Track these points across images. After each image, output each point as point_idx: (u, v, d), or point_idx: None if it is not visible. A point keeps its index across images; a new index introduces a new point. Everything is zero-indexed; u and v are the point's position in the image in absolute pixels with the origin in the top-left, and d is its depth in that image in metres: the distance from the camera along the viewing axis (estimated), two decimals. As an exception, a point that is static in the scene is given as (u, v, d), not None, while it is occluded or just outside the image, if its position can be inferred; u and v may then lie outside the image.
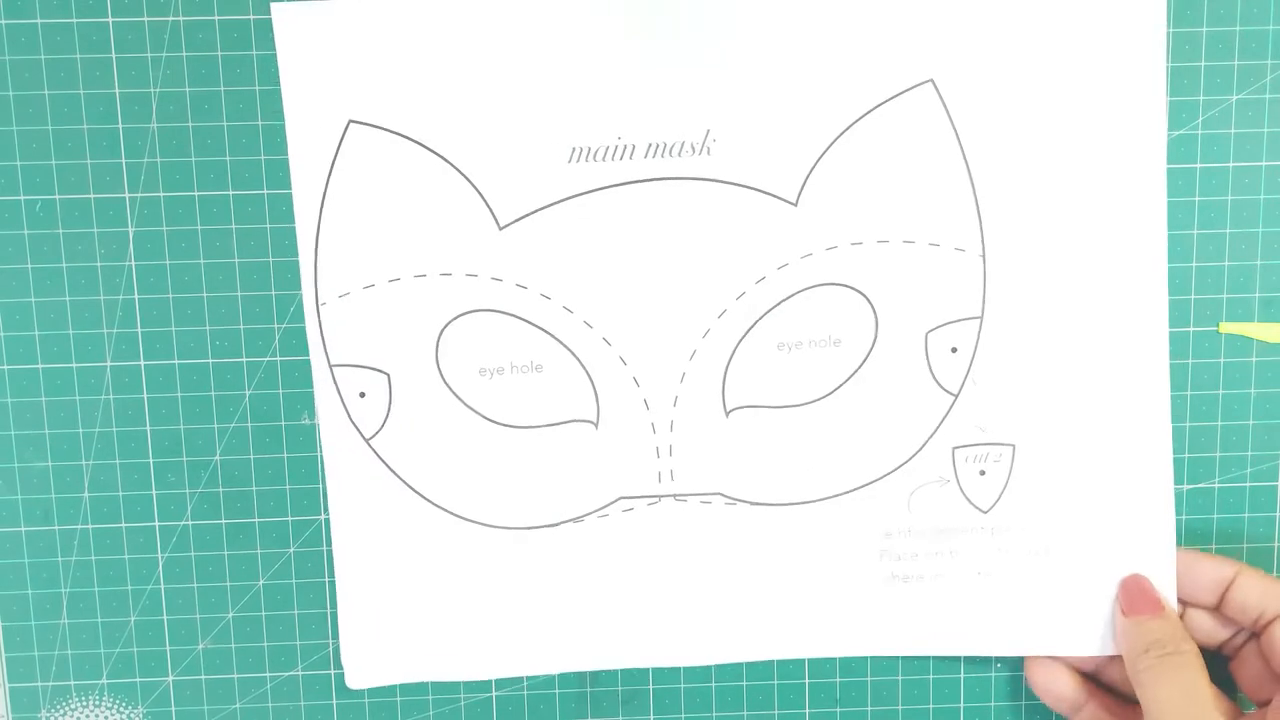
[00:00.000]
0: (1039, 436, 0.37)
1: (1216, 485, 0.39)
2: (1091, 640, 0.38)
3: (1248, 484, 0.39)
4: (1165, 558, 0.37)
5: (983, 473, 0.38)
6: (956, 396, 0.37)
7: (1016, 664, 0.39)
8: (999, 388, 0.37)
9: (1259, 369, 0.38)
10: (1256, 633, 0.36)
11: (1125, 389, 0.37)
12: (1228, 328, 0.38)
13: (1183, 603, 0.37)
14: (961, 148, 0.36)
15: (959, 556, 0.38)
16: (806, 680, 0.39)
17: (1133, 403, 0.37)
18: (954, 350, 0.37)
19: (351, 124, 0.36)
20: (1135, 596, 0.37)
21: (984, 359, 0.37)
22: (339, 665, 0.39)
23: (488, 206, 0.36)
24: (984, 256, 0.37)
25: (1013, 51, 0.36)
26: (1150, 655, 0.35)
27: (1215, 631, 0.37)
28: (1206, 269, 0.38)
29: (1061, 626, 0.38)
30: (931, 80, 0.36)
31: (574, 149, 0.36)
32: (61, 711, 0.39)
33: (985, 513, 0.38)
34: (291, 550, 0.38)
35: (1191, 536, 0.39)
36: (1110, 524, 0.37)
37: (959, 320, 0.37)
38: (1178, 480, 0.39)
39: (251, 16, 0.36)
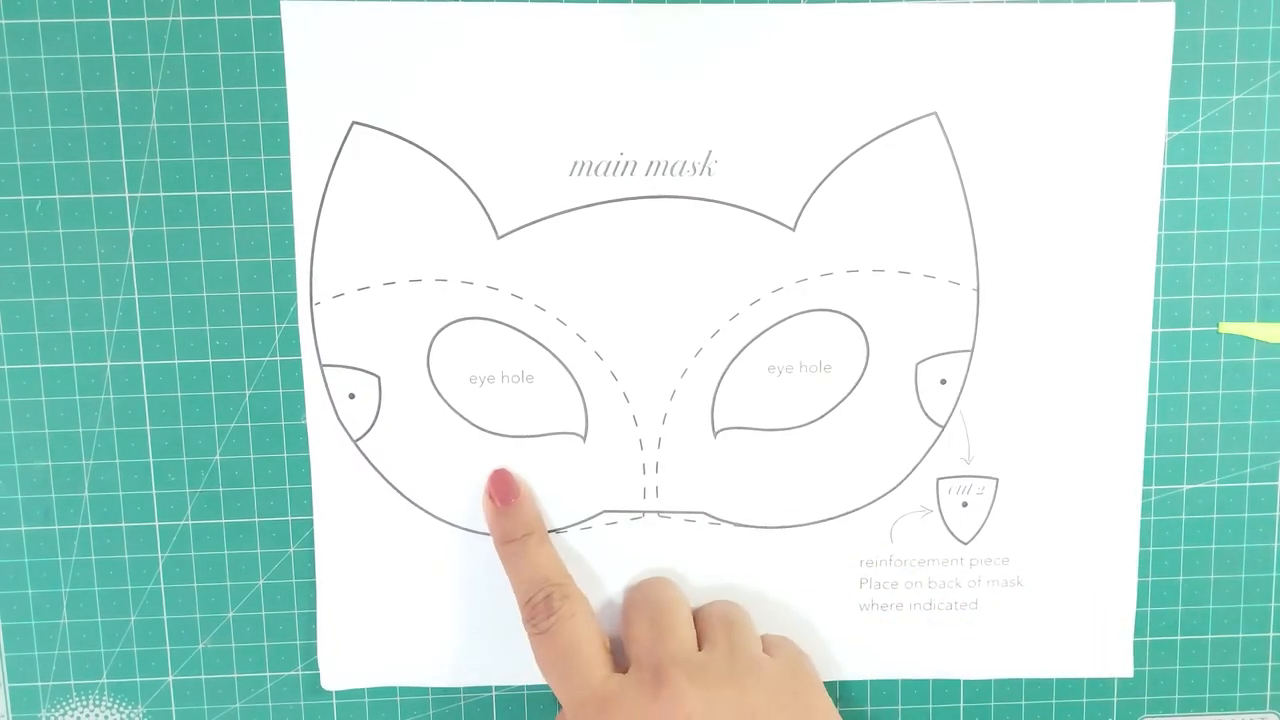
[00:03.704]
0: (1023, 471, 0.38)
1: (1216, 485, 0.39)
2: (1059, 664, 0.39)
3: (1248, 484, 0.39)
4: (1127, 587, 0.39)
5: (965, 505, 0.38)
6: (943, 428, 0.38)
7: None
8: (986, 421, 0.38)
9: (1259, 369, 0.38)
10: None
11: (1105, 429, 0.38)
12: (1228, 328, 0.38)
13: None
14: (961, 182, 0.36)
15: (936, 586, 0.39)
16: (806, 680, 0.40)
17: (1110, 442, 0.38)
18: (943, 382, 0.37)
19: (355, 125, 0.36)
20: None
21: (972, 392, 0.37)
22: (339, 665, 0.39)
23: (487, 215, 0.36)
24: (978, 290, 0.37)
25: (1017, 90, 0.36)
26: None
27: None
28: (1206, 269, 0.38)
29: (1029, 653, 0.39)
30: (935, 113, 0.36)
31: (576, 162, 0.36)
32: (61, 711, 0.39)
33: (965, 544, 0.38)
34: (291, 550, 0.38)
35: (1192, 536, 0.39)
36: (1080, 556, 0.38)
37: (950, 353, 0.37)
38: (1177, 480, 0.39)
39: (251, 16, 0.36)
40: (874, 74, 0.36)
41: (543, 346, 0.37)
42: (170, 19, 0.35)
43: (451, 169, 0.36)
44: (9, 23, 0.35)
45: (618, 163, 0.36)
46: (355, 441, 0.37)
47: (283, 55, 0.36)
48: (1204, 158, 0.37)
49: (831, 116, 0.36)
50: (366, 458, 0.37)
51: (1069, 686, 0.40)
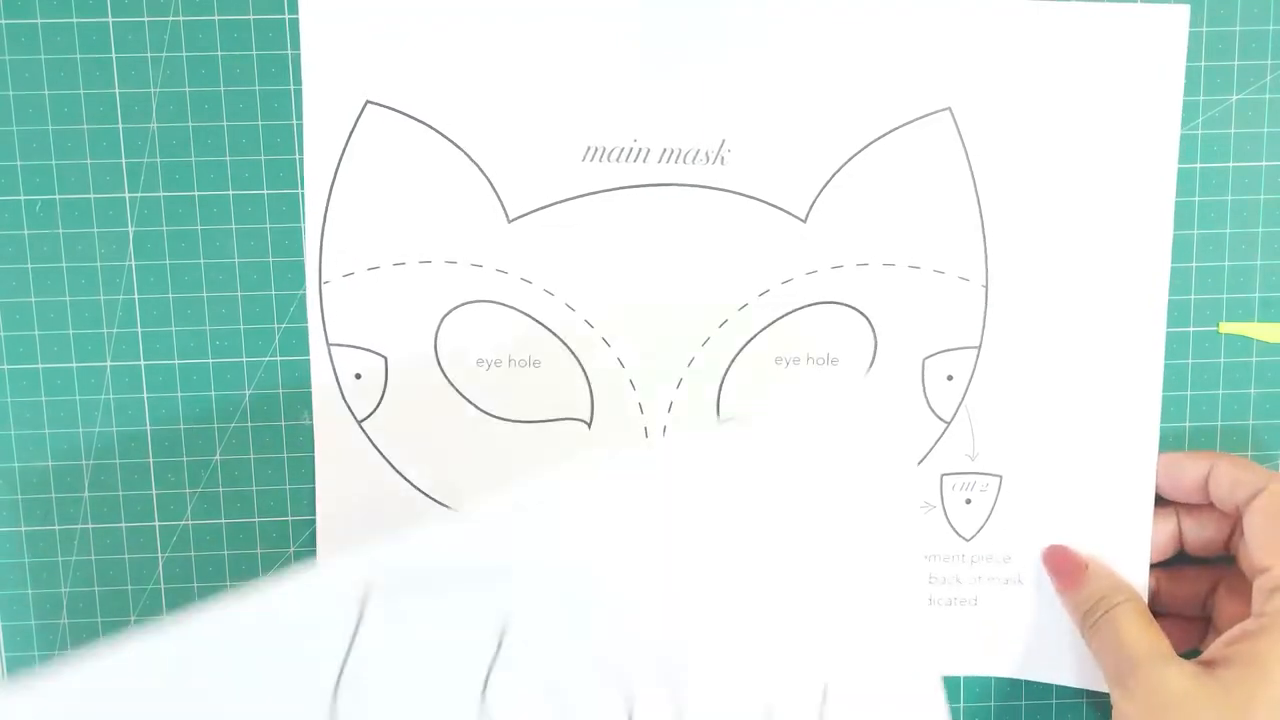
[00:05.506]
0: (1027, 469, 0.38)
1: (1216, 485, 0.39)
2: (1057, 668, 0.39)
3: (1248, 484, 0.39)
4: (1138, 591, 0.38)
5: (969, 501, 0.38)
6: (949, 424, 0.38)
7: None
8: (992, 419, 0.38)
9: (1259, 369, 0.38)
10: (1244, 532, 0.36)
11: (1115, 430, 0.37)
12: (1228, 328, 0.38)
13: (1176, 507, 0.38)
14: (973, 178, 0.36)
15: (937, 583, 0.39)
16: (806, 680, 0.39)
17: (1121, 443, 0.38)
18: (950, 378, 0.37)
19: (369, 104, 0.36)
20: (1064, 569, 0.37)
21: (979, 389, 0.37)
22: (339, 665, 0.39)
23: (498, 198, 0.36)
24: (987, 287, 0.37)
25: (1031, 87, 0.36)
26: (1095, 614, 0.36)
27: (1215, 535, 0.37)
28: (1206, 269, 0.38)
29: (1029, 652, 0.39)
30: (949, 109, 0.36)
31: (589, 148, 0.36)
32: (61, 711, 0.39)
33: (967, 541, 0.38)
34: (291, 550, 0.38)
35: (1191, 536, 0.39)
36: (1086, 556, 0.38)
37: (957, 349, 0.37)
38: (1178, 480, 0.39)
39: (251, 16, 0.36)
40: (889, 68, 0.36)
41: (550, 331, 0.37)
42: (170, 19, 0.35)
43: (464, 151, 0.36)
44: (9, 23, 0.35)
45: (631, 149, 0.36)
46: (360, 422, 0.37)
47: (284, 55, 0.36)
48: (1204, 158, 0.37)
49: (846, 109, 0.36)
50: (370, 439, 0.37)
51: (1069, 686, 0.39)
